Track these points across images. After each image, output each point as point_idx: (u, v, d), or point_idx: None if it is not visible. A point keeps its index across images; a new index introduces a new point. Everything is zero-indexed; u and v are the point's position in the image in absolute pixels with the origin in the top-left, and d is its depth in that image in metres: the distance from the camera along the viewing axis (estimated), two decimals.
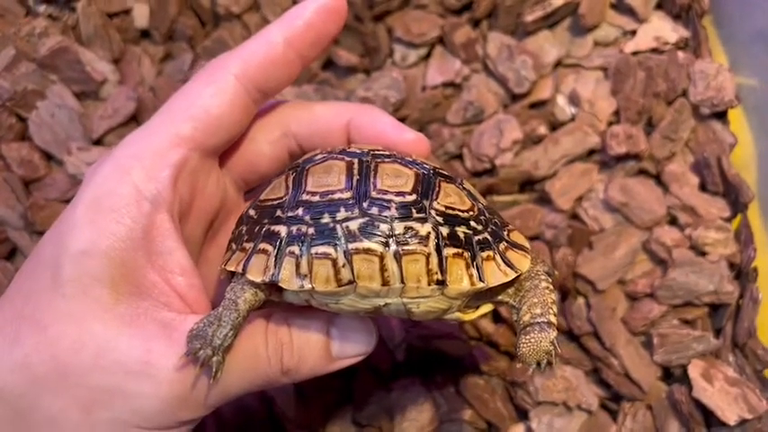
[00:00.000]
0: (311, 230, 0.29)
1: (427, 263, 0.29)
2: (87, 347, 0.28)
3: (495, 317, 0.49)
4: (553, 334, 0.32)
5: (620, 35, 0.55)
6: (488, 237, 0.32)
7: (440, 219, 0.30)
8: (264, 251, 0.30)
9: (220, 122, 0.32)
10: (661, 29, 0.54)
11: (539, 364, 0.32)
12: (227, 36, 0.55)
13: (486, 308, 0.34)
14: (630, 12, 0.55)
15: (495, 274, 0.31)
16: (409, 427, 0.46)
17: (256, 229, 0.31)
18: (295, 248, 0.29)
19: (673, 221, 0.50)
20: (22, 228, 0.51)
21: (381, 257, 0.29)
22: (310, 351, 0.32)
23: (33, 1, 0.55)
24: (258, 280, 0.29)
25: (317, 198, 0.30)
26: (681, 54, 0.52)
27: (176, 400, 0.29)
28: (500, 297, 0.34)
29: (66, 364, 0.28)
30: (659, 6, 0.55)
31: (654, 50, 0.53)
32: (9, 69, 0.52)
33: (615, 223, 0.50)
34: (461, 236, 0.30)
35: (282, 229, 0.30)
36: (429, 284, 0.29)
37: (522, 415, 0.47)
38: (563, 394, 0.45)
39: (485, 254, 0.31)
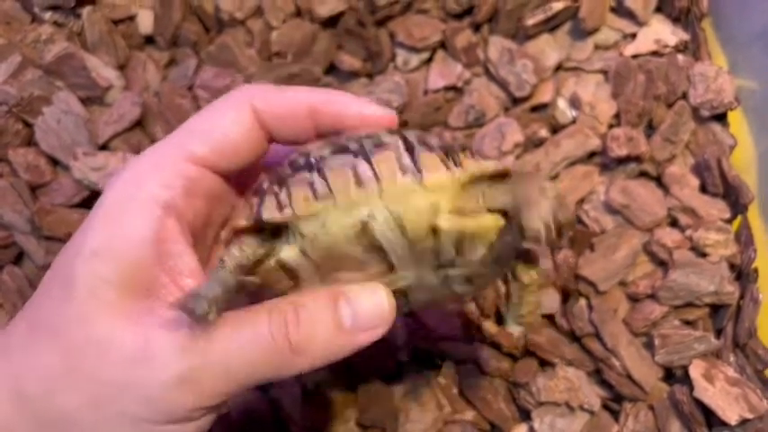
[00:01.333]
0: (289, 172, 0.30)
1: (399, 159, 0.29)
2: (94, 346, 0.28)
3: (499, 319, 0.49)
4: (552, 196, 0.29)
5: (621, 38, 0.55)
6: (462, 147, 0.31)
7: (410, 135, 0.30)
8: (251, 206, 0.31)
9: (236, 149, 0.33)
10: (661, 32, 0.54)
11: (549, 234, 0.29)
12: (231, 42, 0.56)
13: (492, 219, 0.31)
14: (630, 15, 0.55)
15: (473, 164, 0.30)
16: (413, 428, 0.46)
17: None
18: (275, 188, 0.30)
19: (673, 223, 0.50)
20: (29, 232, 0.51)
21: (354, 166, 0.29)
22: (318, 323, 0.30)
23: (39, 8, 0.55)
24: (243, 223, 0.30)
25: (300, 158, 0.31)
26: (680, 57, 0.53)
27: (177, 383, 0.28)
28: (498, 203, 0.31)
29: (77, 363, 0.28)
30: (659, 9, 0.56)
31: (654, 53, 0.54)
32: (15, 76, 0.53)
33: (616, 225, 0.50)
34: (433, 142, 0.30)
35: (265, 184, 0.31)
36: (404, 175, 0.29)
37: (525, 415, 0.47)
38: (565, 395, 0.46)
39: (459, 154, 0.31)
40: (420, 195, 0.29)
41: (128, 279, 0.29)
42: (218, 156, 0.32)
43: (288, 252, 0.30)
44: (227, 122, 0.32)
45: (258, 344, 0.30)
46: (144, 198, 0.30)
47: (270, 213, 0.29)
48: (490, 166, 0.31)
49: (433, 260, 0.31)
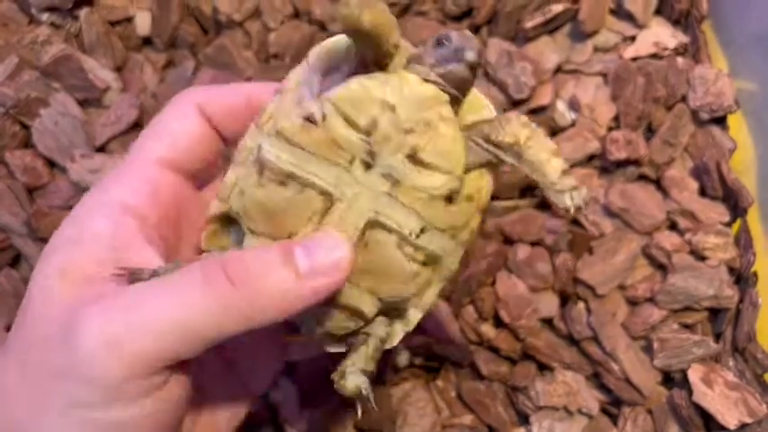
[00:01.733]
0: None
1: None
2: (40, 342, 0.28)
3: (497, 322, 0.49)
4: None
5: (620, 41, 0.55)
6: None
7: None
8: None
9: (189, 152, 0.34)
10: (660, 34, 0.54)
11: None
12: (229, 43, 0.55)
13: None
14: (630, 18, 0.55)
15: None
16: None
17: None
18: None
19: (672, 226, 0.50)
20: (25, 235, 0.51)
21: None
22: (267, 264, 0.28)
23: (36, 9, 0.55)
24: (204, 230, 0.33)
25: None
26: (680, 59, 0.53)
27: (104, 348, 0.26)
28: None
29: (27, 367, 0.28)
30: (658, 12, 0.56)
31: (653, 56, 0.54)
32: (12, 77, 0.52)
33: (615, 228, 0.50)
34: None
35: None
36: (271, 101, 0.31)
37: (523, 419, 0.47)
38: (564, 399, 0.46)
39: None
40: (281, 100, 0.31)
41: (79, 274, 0.29)
42: (179, 158, 0.33)
43: (246, 239, 0.31)
44: (177, 128, 0.33)
45: (191, 292, 0.27)
46: (106, 202, 0.31)
47: (208, 210, 0.32)
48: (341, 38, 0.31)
49: (349, 158, 0.29)
